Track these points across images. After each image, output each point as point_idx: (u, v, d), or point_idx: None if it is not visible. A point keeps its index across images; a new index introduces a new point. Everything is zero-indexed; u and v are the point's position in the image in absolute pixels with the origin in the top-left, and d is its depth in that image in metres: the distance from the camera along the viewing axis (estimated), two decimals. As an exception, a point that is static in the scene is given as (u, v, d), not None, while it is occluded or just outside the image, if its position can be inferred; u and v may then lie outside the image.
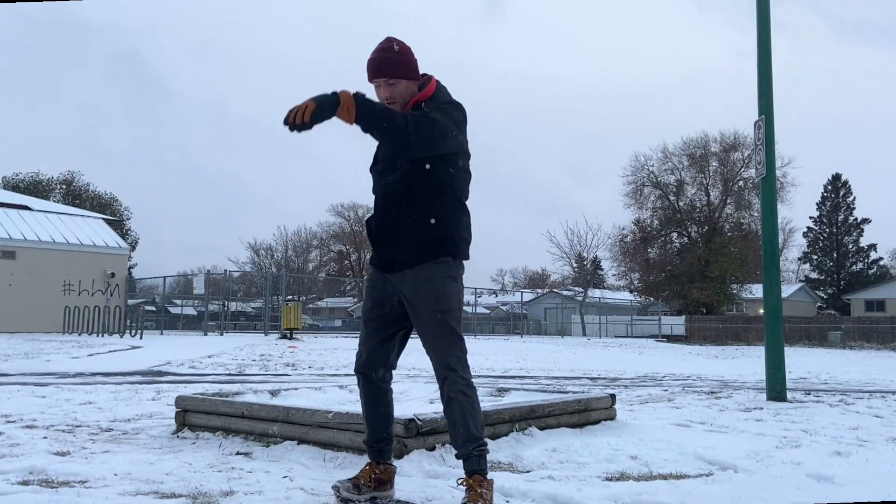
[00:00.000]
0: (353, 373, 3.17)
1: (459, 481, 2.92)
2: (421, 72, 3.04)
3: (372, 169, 3.14)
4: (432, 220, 2.95)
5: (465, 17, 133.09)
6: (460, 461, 2.91)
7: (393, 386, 3.17)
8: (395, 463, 3.63)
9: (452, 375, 2.90)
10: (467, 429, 2.86)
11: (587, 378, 11.20)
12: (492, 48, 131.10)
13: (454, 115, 2.94)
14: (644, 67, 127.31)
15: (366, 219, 3.24)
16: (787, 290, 53.86)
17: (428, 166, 2.92)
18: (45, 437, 4.47)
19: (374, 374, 3.08)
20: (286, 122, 2.62)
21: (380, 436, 3.12)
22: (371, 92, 2.96)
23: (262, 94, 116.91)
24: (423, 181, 2.94)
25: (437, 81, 3.06)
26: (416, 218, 2.95)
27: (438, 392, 2.99)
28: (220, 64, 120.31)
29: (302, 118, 2.60)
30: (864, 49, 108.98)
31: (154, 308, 47.89)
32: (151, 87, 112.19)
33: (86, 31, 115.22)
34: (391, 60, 2.93)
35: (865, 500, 3.09)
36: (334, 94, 2.66)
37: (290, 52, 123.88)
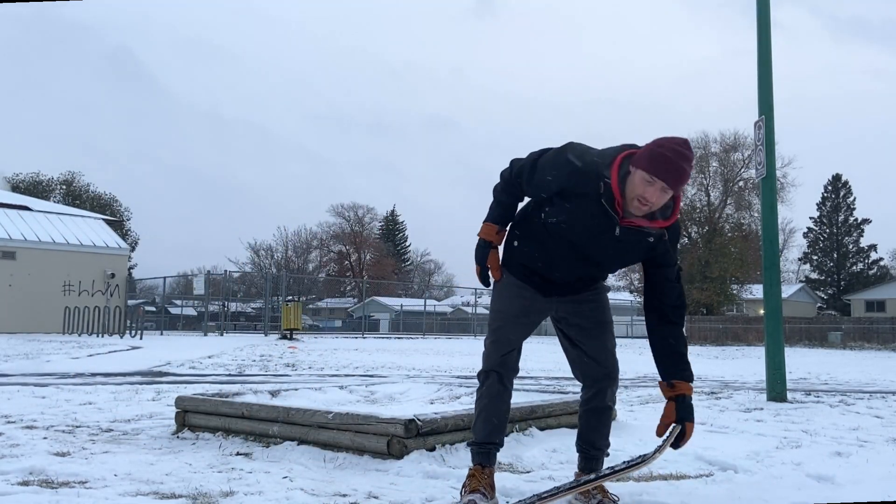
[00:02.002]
0: (478, 373, 3.15)
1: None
2: None
3: (562, 225, 2.92)
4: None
5: (458, 15, 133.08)
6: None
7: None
8: (396, 463, 3.63)
9: (613, 386, 3.18)
10: (607, 436, 3.25)
11: (587, 378, 11.19)
12: (488, 46, 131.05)
13: None
14: (643, 67, 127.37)
15: (524, 250, 3.06)
16: (787, 291, 53.85)
17: None
18: (45, 438, 4.46)
19: (510, 374, 3.13)
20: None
21: (497, 438, 3.11)
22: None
23: (257, 95, 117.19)
24: None
25: None
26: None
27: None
28: (216, 65, 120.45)
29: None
30: (864, 49, 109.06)
31: (154, 308, 47.91)
32: (150, 87, 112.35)
33: (83, 31, 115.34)
34: (687, 176, 2.76)
35: (865, 501, 3.09)
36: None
37: (286, 51, 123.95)
